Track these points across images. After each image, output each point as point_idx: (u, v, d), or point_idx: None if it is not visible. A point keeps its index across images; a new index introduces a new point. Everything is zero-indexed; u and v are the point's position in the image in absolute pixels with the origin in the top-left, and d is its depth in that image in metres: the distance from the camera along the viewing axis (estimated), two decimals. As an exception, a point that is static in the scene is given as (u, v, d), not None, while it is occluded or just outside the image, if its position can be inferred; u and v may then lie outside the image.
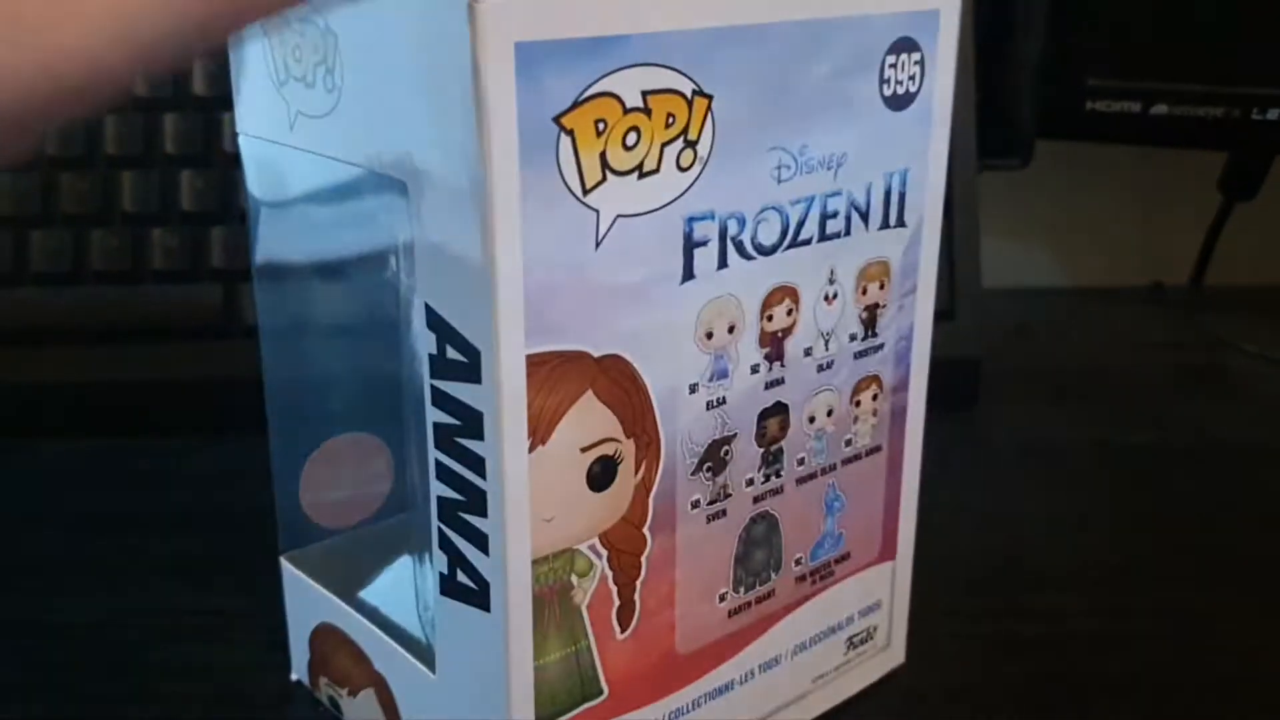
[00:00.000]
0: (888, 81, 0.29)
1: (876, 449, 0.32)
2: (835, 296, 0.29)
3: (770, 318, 0.28)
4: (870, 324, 0.30)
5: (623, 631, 0.27)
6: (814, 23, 0.27)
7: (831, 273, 0.29)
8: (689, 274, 0.26)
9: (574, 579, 0.26)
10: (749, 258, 0.27)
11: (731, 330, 0.27)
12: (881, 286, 0.30)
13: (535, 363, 0.24)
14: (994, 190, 0.65)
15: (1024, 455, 0.53)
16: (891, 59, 0.29)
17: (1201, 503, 0.49)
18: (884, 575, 0.34)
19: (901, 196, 0.30)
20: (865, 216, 0.29)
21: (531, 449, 0.25)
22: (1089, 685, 0.36)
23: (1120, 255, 0.77)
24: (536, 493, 0.25)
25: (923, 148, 0.30)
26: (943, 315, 0.54)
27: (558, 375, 0.25)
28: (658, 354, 0.26)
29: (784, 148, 0.27)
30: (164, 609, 0.40)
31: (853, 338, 0.30)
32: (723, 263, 0.27)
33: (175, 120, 0.53)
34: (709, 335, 0.27)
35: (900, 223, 0.30)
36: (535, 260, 0.24)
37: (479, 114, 0.23)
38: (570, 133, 0.24)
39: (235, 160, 0.45)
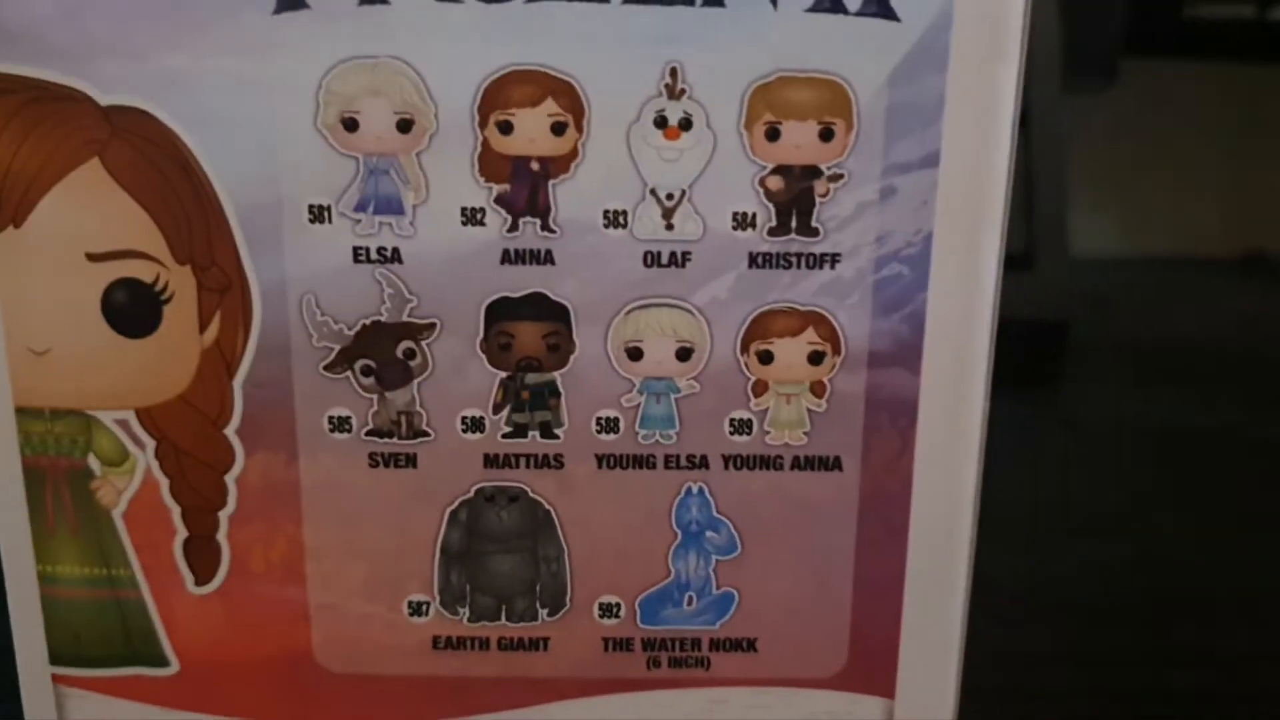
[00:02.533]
0: None
1: (825, 462, 0.11)
2: (687, 124, 0.10)
3: (507, 126, 0.10)
4: (793, 206, 0.11)
5: (200, 582, 0.12)
6: None
7: (672, 73, 0.10)
8: None
9: (93, 463, 0.11)
10: None
11: (406, 126, 0.10)
12: (826, 135, 0.10)
13: (24, 86, 0.11)
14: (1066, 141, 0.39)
15: (1132, 444, 0.31)
16: None
17: None
18: (866, 712, 0.12)
19: None
20: None
21: None
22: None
23: (1213, 218, 0.46)
24: (11, 300, 0.11)
25: None
26: (1017, 262, 0.33)
27: (34, 118, 0.11)
28: (233, 133, 0.11)
29: None
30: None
31: (742, 221, 0.11)
32: None
33: None
34: (349, 125, 0.10)
35: (879, 9, 0.10)
36: None
37: None
38: None
39: None
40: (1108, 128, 0.48)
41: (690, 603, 0.14)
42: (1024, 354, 0.35)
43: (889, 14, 0.12)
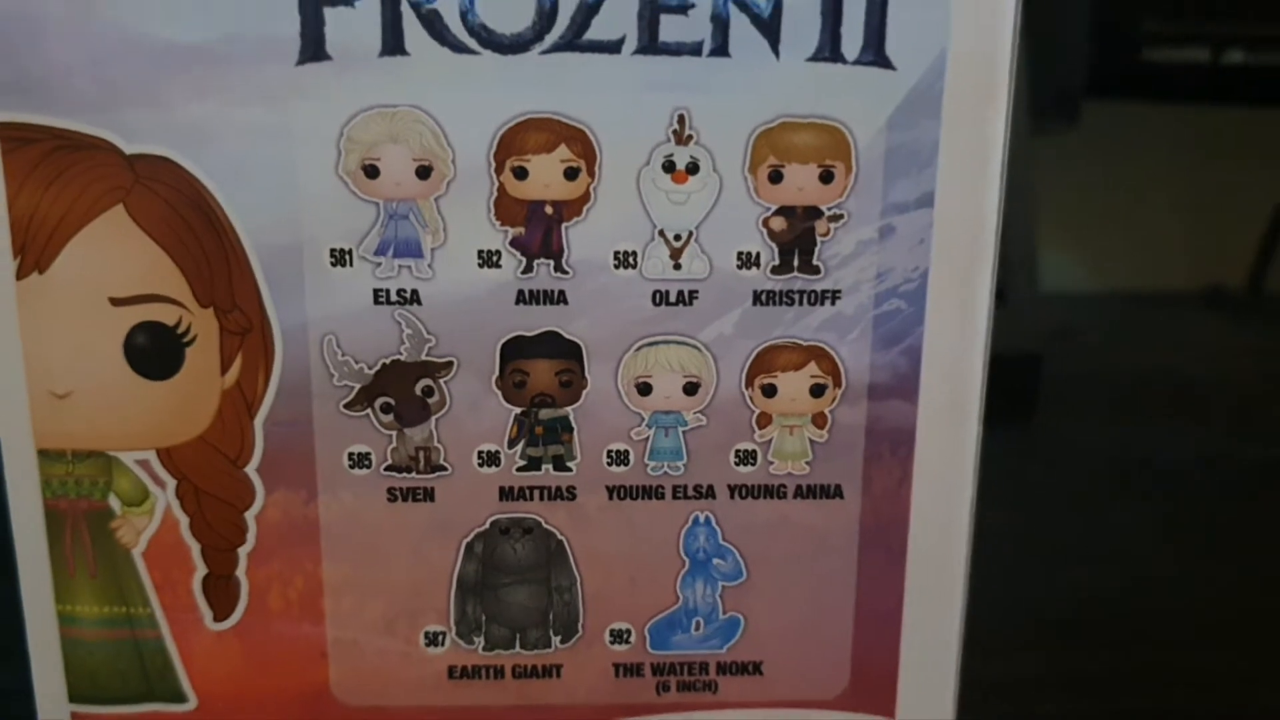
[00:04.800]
0: None
1: (827, 491, 0.11)
2: (694, 169, 0.10)
3: (522, 172, 0.10)
4: (797, 245, 0.11)
5: (219, 618, 0.11)
6: None
7: (680, 119, 0.10)
8: (315, 51, 0.10)
9: (114, 502, 0.11)
10: (458, 49, 0.10)
11: (426, 174, 0.10)
12: (827, 177, 0.10)
13: (10, 136, 0.10)
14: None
15: (1103, 474, 0.31)
16: None
17: None
18: None
19: (877, 5, 0.10)
20: (770, 29, 0.10)
21: (20, 276, 0.11)
22: None
23: (1168, 253, 0.49)
24: (33, 347, 0.11)
25: None
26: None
27: (59, 167, 0.11)
28: (254, 178, 0.10)
29: None
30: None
31: (747, 261, 0.11)
32: (395, 45, 0.10)
33: None
34: (370, 171, 0.10)
35: (876, 59, 0.10)
36: None
37: None
38: None
39: None
40: (1071, 167, 0.49)
41: (698, 628, 0.14)
42: (997, 387, 0.35)
43: (885, 63, 0.12)
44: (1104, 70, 0.40)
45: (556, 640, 0.14)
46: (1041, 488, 0.31)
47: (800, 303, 0.13)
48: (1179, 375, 0.39)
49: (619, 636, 0.14)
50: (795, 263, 0.12)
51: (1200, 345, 0.42)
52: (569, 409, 0.13)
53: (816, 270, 0.12)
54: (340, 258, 0.12)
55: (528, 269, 0.12)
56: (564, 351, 0.13)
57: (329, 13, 0.12)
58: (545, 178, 0.12)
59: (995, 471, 0.35)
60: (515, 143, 0.12)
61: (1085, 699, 0.22)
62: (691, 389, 0.13)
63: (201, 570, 0.13)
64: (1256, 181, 0.49)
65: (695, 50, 0.12)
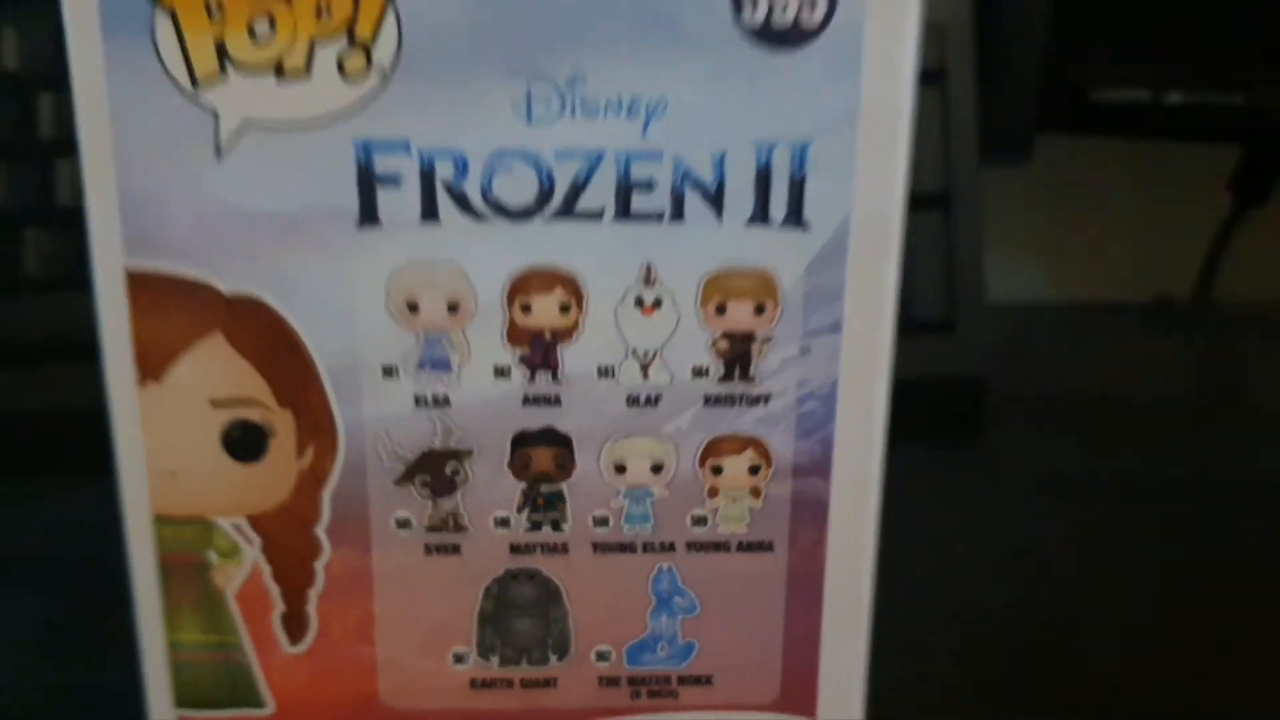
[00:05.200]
0: (753, 3, 0.13)
1: (761, 546, 0.15)
2: (658, 305, 0.14)
3: (527, 308, 0.14)
4: (736, 361, 0.14)
5: (292, 643, 0.15)
6: None
7: (648, 270, 0.14)
8: (370, 217, 0.14)
9: (212, 556, 0.15)
10: (479, 217, 0.14)
11: (454, 309, 0.14)
12: (759, 310, 0.14)
13: (138, 280, 0.14)
14: (984, 197, 0.42)
15: (1038, 490, 0.34)
16: None
17: (1227, 545, 0.31)
18: None
19: (796, 184, 0.14)
20: (716, 200, 0.14)
21: (140, 383, 0.14)
22: None
23: (1121, 267, 0.54)
24: (151, 437, 0.15)
25: (841, 112, 0.14)
26: (941, 326, 0.36)
27: (171, 303, 0.14)
28: (324, 314, 0.14)
29: (538, 73, 0.14)
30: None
31: (699, 372, 0.15)
32: (430, 213, 0.14)
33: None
34: (411, 307, 0.14)
35: (795, 222, 0.14)
36: (132, 158, 0.14)
37: None
38: (171, 11, 0.14)
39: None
40: (1024, 198, 0.53)
41: (663, 650, 0.18)
42: (945, 405, 0.38)
43: (803, 226, 0.16)
44: (1054, 110, 0.43)
45: (554, 659, 0.17)
46: (975, 500, 0.35)
47: (740, 404, 0.16)
48: (1120, 389, 0.41)
49: (602, 656, 0.17)
50: (736, 374, 0.16)
51: (1142, 359, 0.45)
52: (563, 485, 0.16)
53: (752, 380, 0.16)
54: (389, 372, 0.16)
55: (531, 379, 0.16)
56: (559, 441, 0.16)
57: (380, 191, 0.15)
58: (545, 313, 0.16)
59: (938, 487, 0.38)
60: (522, 287, 0.16)
61: (994, 698, 0.25)
62: (657, 469, 0.16)
63: (280, 607, 0.17)
64: (1192, 207, 0.53)
65: (658, 218, 0.15)
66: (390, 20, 0.15)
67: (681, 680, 0.17)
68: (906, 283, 0.34)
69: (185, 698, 0.17)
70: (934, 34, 0.36)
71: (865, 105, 0.15)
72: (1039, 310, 0.50)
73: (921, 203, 0.36)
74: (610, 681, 0.17)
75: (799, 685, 0.17)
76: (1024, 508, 0.33)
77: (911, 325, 0.36)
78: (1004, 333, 0.45)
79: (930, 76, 0.35)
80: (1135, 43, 0.43)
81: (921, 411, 0.38)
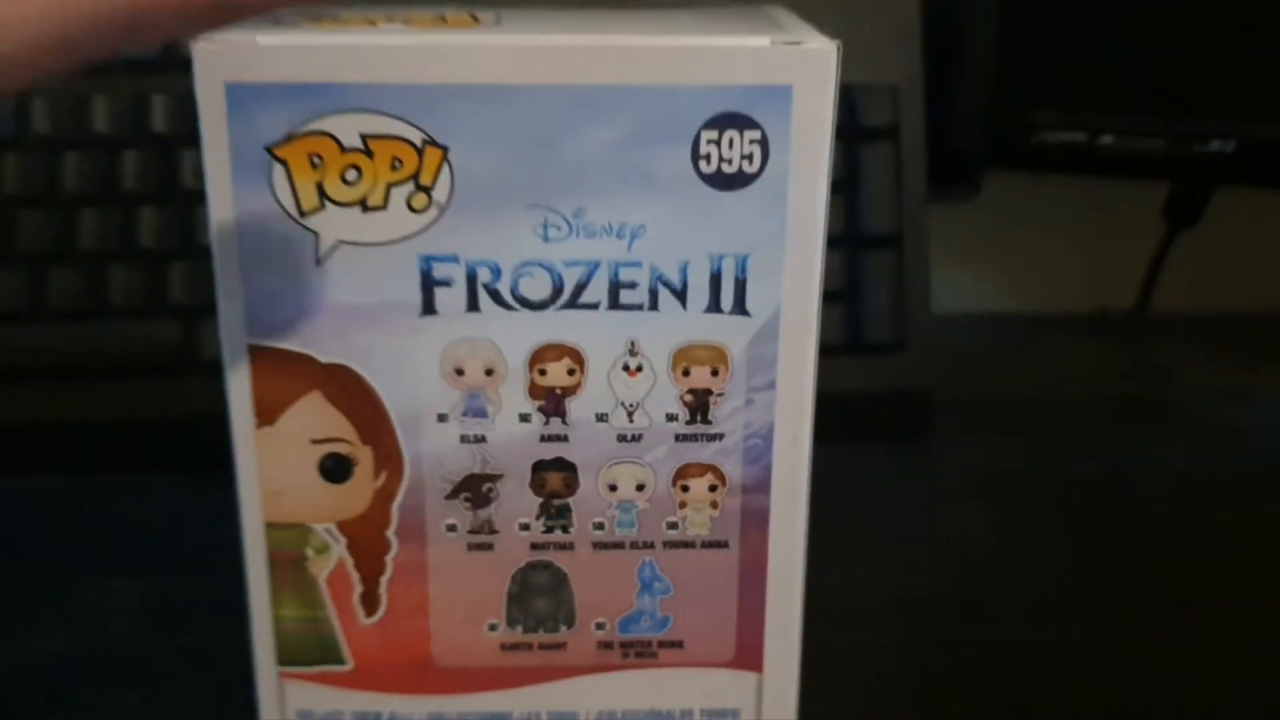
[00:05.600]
0: (706, 158, 0.19)
1: (719, 544, 0.21)
2: (640, 369, 0.20)
3: (543, 372, 0.20)
4: (698, 410, 0.20)
5: (367, 616, 0.21)
6: (585, 87, 0.19)
7: (632, 344, 0.20)
8: (429, 308, 0.20)
9: (309, 552, 0.21)
10: (509, 308, 0.20)
11: (490, 373, 0.20)
12: (714, 373, 0.20)
13: (258, 353, 0.20)
14: (942, 218, 0.48)
15: (973, 487, 0.39)
16: (711, 134, 0.19)
17: (1142, 535, 0.36)
18: (743, 685, 0.22)
19: (740, 283, 0.20)
20: (681, 295, 0.20)
21: (258, 426, 0.20)
22: (1038, 713, 0.28)
23: (1068, 282, 0.59)
24: (265, 465, 0.20)
25: (772, 233, 0.19)
26: (893, 347, 0.41)
27: (282, 369, 0.20)
28: (395, 376, 0.20)
29: (551, 208, 0.19)
30: (124, 650, 0.30)
31: (671, 417, 0.20)
32: (473, 306, 0.20)
33: (134, 157, 0.39)
34: (459, 372, 0.20)
35: (740, 311, 0.20)
36: (254, 266, 0.20)
37: (201, 140, 0.20)
38: (284, 162, 0.19)
39: (197, 196, 0.37)
40: (972, 231, 0.57)
41: (646, 622, 0.23)
42: (896, 415, 0.42)
43: (745, 313, 0.21)
44: (1001, 149, 0.49)
45: (564, 628, 0.23)
46: (915, 497, 0.39)
47: (701, 440, 0.22)
48: (1058, 394, 0.46)
49: (600, 626, 0.23)
50: (698, 419, 0.22)
51: (1082, 366, 0.49)
52: (570, 500, 0.22)
53: (710, 423, 0.22)
54: (442, 418, 0.21)
55: (546, 423, 0.22)
56: (567, 468, 0.22)
57: (437, 290, 0.21)
58: (556, 376, 0.21)
59: (886, 486, 0.43)
60: (539, 357, 0.21)
61: (915, 660, 0.30)
62: (640, 488, 0.22)
63: (359, 589, 0.22)
64: (1123, 237, 0.58)
65: (640, 307, 0.21)
66: (446, 171, 0.20)
67: (660, 644, 0.23)
68: (864, 309, 0.42)
69: (285, 658, 0.23)
70: (887, 94, 0.41)
71: (789, 228, 0.20)
72: (992, 321, 0.56)
73: (877, 242, 0.41)
74: (606, 645, 0.23)
75: (749, 648, 0.23)
76: (957, 504, 0.39)
77: (868, 346, 0.41)
78: (958, 345, 0.50)
79: (884, 132, 0.41)
80: (1072, 94, 0.48)
81: (876, 420, 0.44)
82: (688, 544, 0.22)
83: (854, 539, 0.36)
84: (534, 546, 0.22)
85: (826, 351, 0.41)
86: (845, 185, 0.41)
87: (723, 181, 0.20)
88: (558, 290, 0.21)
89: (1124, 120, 0.47)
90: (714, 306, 0.21)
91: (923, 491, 0.39)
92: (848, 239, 0.41)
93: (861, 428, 0.41)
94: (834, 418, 0.43)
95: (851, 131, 0.41)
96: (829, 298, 0.41)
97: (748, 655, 0.23)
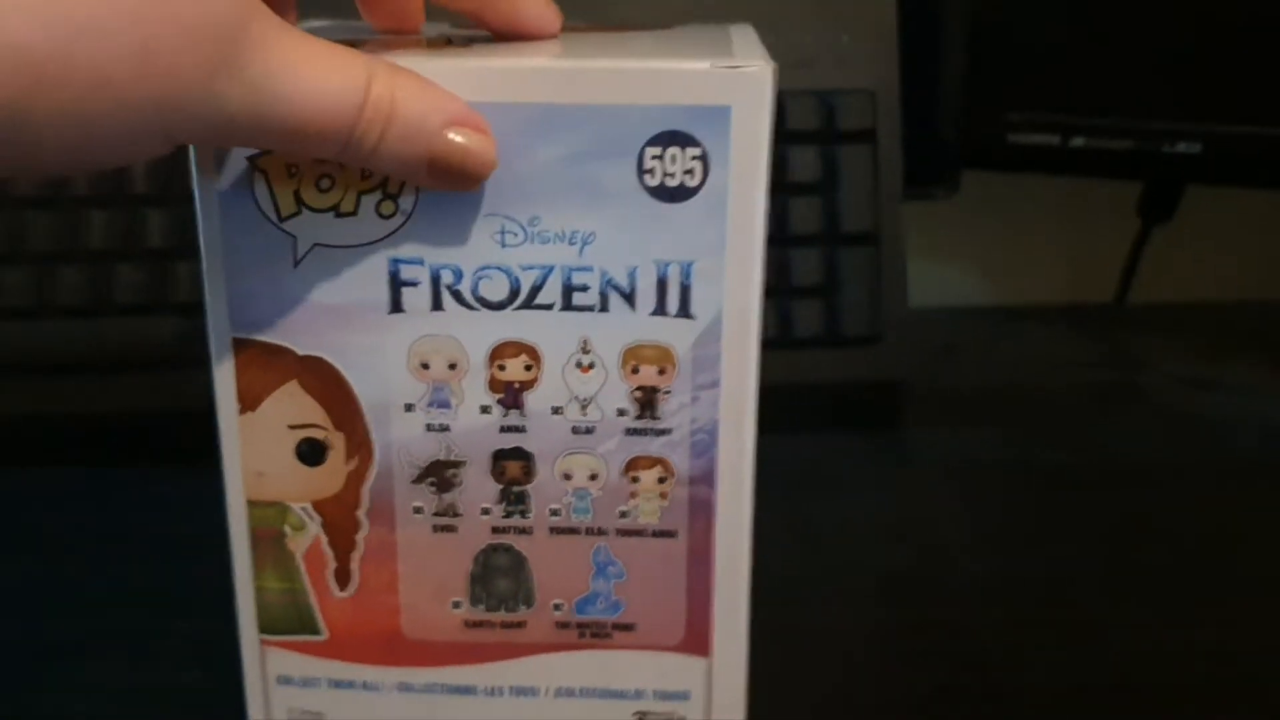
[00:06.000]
0: (650, 172, 0.21)
1: (668, 533, 0.23)
2: (591, 366, 0.21)
3: (502, 367, 0.22)
4: (647, 405, 0.22)
5: (341, 590, 0.23)
6: (538, 106, 0.20)
7: (584, 343, 0.22)
8: (396, 307, 0.22)
9: (287, 529, 0.23)
10: (470, 307, 0.22)
11: (453, 367, 0.22)
12: (661, 372, 0.22)
13: (241, 345, 0.22)
14: (926, 214, 0.52)
15: (943, 474, 0.41)
16: (654, 151, 0.21)
17: (1108, 520, 0.37)
18: (692, 668, 0.24)
19: (684, 288, 0.21)
20: (629, 298, 0.21)
21: (241, 412, 0.22)
22: (996, 694, 0.29)
23: (1047, 277, 0.62)
24: (247, 448, 0.22)
25: (714, 242, 0.21)
26: (869, 339, 0.43)
27: (262, 360, 0.22)
28: (366, 369, 0.22)
29: (508, 216, 0.21)
30: (136, 630, 0.33)
31: (621, 412, 0.22)
32: (437, 305, 0.22)
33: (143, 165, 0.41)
34: (424, 366, 0.22)
35: (685, 314, 0.21)
36: (237, 267, 0.21)
37: (192, 150, 0.22)
38: (264, 171, 0.21)
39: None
40: (953, 228, 0.58)
41: (601, 604, 0.25)
42: (871, 405, 0.44)
43: (689, 316, 0.23)
44: (977, 151, 0.51)
45: (523, 608, 0.25)
46: (887, 481, 0.40)
47: (650, 434, 0.23)
48: (1031, 383, 0.48)
49: (558, 607, 0.25)
50: (647, 414, 0.23)
51: (1056, 356, 0.51)
52: (528, 487, 0.24)
53: (658, 418, 0.23)
54: (409, 408, 0.23)
55: (506, 414, 0.23)
56: (525, 457, 0.23)
57: (404, 290, 0.22)
58: (514, 371, 0.23)
59: (860, 471, 0.44)
60: (499, 353, 0.23)
61: (879, 635, 0.31)
62: (594, 478, 0.24)
63: (333, 565, 0.24)
64: (1099, 233, 0.59)
65: (591, 309, 0.22)
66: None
67: (614, 626, 0.24)
68: (842, 303, 0.43)
69: (267, 627, 0.25)
70: (865, 99, 0.42)
71: (729, 238, 0.22)
72: (971, 315, 0.57)
73: (855, 239, 0.42)
74: (564, 625, 0.24)
75: (698, 632, 0.25)
76: (928, 487, 0.40)
77: (845, 339, 0.43)
78: (936, 338, 0.51)
79: (863, 134, 0.42)
80: (1044, 97, 0.50)
81: (852, 410, 0.45)
82: (639, 531, 0.24)
83: (825, 523, 0.38)
84: (495, 530, 0.24)
85: (805, 344, 0.43)
86: (825, 185, 0.42)
87: (666, 194, 0.22)
88: (514, 291, 0.22)
89: (1095, 122, 0.49)
90: (660, 309, 0.23)
91: (894, 478, 0.41)
92: (827, 236, 0.43)
93: (838, 417, 0.43)
94: (812, 407, 0.45)
95: (831, 135, 0.42)
96: (809, 292, 0.43)
97: (696, 640, 0.25)
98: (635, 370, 0.23)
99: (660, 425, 0.23)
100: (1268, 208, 0.55)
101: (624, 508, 0.24)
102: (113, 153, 0.19)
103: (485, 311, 0.23)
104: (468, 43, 0.24)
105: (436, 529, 0.24)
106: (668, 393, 0.23)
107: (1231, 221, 0.59)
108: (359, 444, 0.23)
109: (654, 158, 0.22)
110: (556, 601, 0.25)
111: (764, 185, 0.22)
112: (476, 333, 0.23)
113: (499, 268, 0.22)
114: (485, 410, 0.23)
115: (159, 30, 0.17)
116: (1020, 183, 0.54)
